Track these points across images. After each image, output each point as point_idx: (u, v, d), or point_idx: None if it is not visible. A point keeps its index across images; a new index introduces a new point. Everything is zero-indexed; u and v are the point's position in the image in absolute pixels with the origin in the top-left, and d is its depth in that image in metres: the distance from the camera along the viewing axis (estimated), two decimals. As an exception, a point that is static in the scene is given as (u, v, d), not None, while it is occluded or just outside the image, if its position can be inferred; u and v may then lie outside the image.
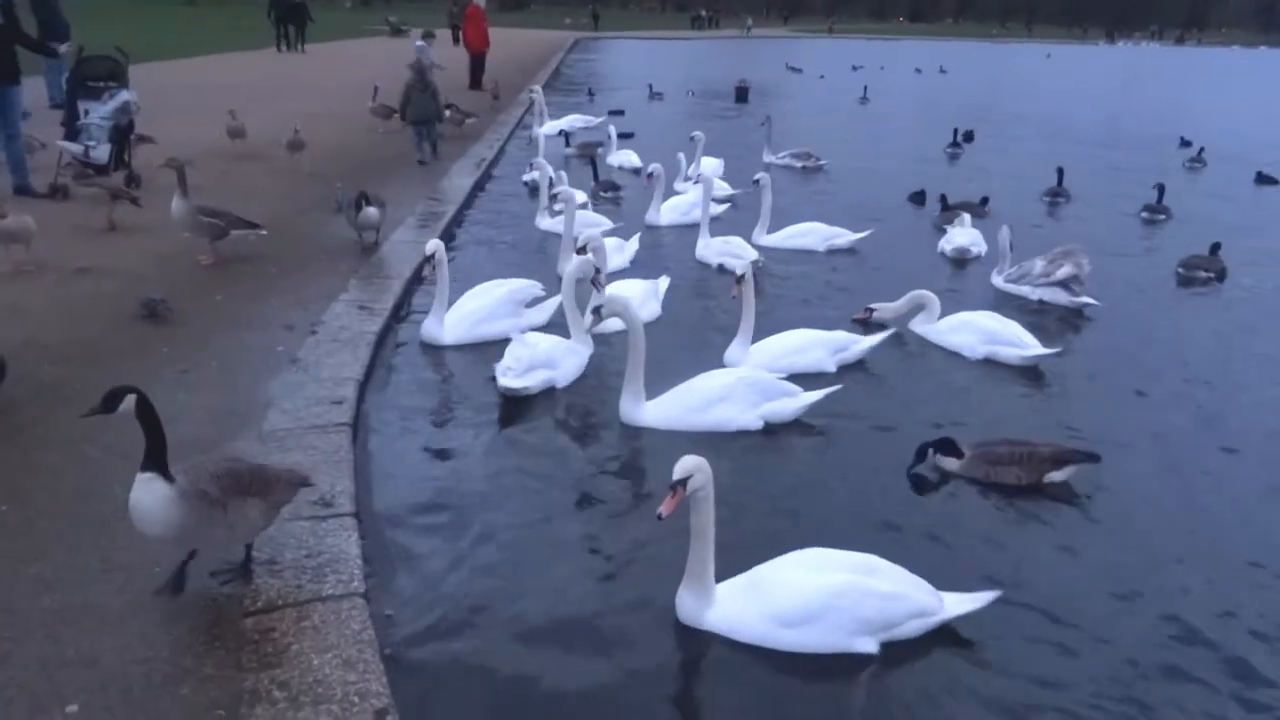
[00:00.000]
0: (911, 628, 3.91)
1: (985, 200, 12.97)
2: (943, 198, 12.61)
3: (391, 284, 8.10)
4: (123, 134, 10.96)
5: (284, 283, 7.93)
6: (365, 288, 7.94)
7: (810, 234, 10.59)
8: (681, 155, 13.93)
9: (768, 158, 16.06)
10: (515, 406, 6.17)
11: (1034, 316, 8.38)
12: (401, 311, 7.82)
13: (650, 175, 11.23)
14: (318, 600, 3.74)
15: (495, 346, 7.06)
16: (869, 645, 3.84)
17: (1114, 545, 4.90)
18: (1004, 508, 5.22)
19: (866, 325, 7.79)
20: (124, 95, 10.99)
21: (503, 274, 8.12)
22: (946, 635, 3.98)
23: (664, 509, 3.77)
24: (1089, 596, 4.40)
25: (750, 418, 5.91)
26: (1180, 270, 10.30)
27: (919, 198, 13.45)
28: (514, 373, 6.18)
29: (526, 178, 13.49)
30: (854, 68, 43.31)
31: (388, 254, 9.01)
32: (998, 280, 9.39)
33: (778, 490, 5.30)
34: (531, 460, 5.52)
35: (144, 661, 3.43)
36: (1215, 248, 10.37)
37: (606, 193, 12.89)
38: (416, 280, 8.46)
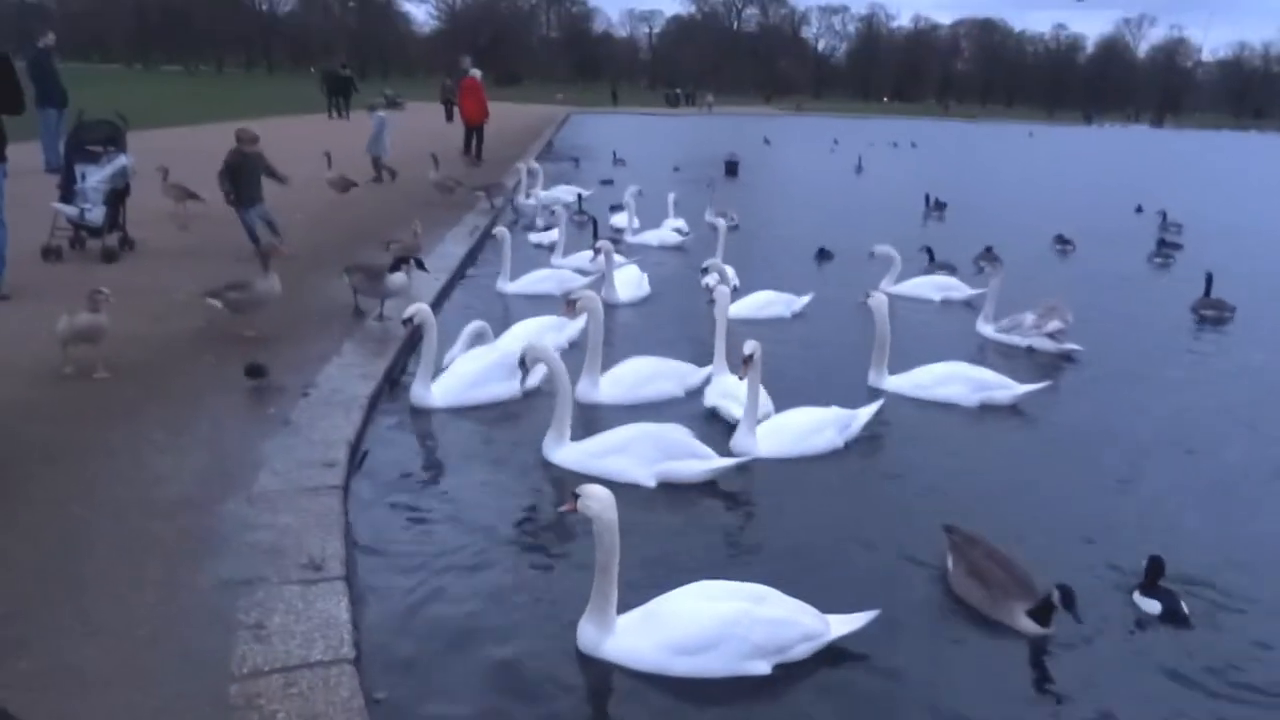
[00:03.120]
0: (801, 650, 4.18)
1: (988, 249, 14.20)
2: (929, 251, 13.89)
3: (385, 348, 8.09)
4: (119, 197, 11.00)
5: (276, 345, 7.89)
6: (358, 351, 7.92)
7: (775, 302, 10.52)
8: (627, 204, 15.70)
9: (708, 217, 16.68)
10: (497, 467, 6.23)
11: (1017, 361, 9.22)
12: (395, 374, 7.79)
13: (597, 250, 10.76)
14: (306, 666, 3.64)
15: (485, 410, 7.06)
16: (762, 668, 4.09)
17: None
18: (873, 528, 5.60)
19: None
20: (121, 159, 11.05)
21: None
22: (833, 653, 4.28)
23: (563, 507, 4.21)
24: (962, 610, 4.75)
25: (643, 474, 5.91)
26: (1208, 313, 11.50)
27: (824, 254, 14.37)
28: None
29: (534, 239, 14.45)
30: (835, 141, 44.65)
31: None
32: (986, 329, 10.00)
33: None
34: (511, 515, 5.52)
35: (126, 728, 3.33)
36: (1209, 281, 11.70)
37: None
38: (411, 345, 8.45)
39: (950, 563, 4.90)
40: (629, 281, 11.21)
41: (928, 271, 13.24)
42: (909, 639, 4.48)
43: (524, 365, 6.37)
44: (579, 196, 18.32)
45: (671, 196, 16.19)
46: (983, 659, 4.41)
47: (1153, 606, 4.75)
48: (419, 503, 5.63)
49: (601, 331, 7.43)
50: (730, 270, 11.80)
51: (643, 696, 3.99)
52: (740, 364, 6.38)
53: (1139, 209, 21.77)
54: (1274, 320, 11.84)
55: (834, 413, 6.82)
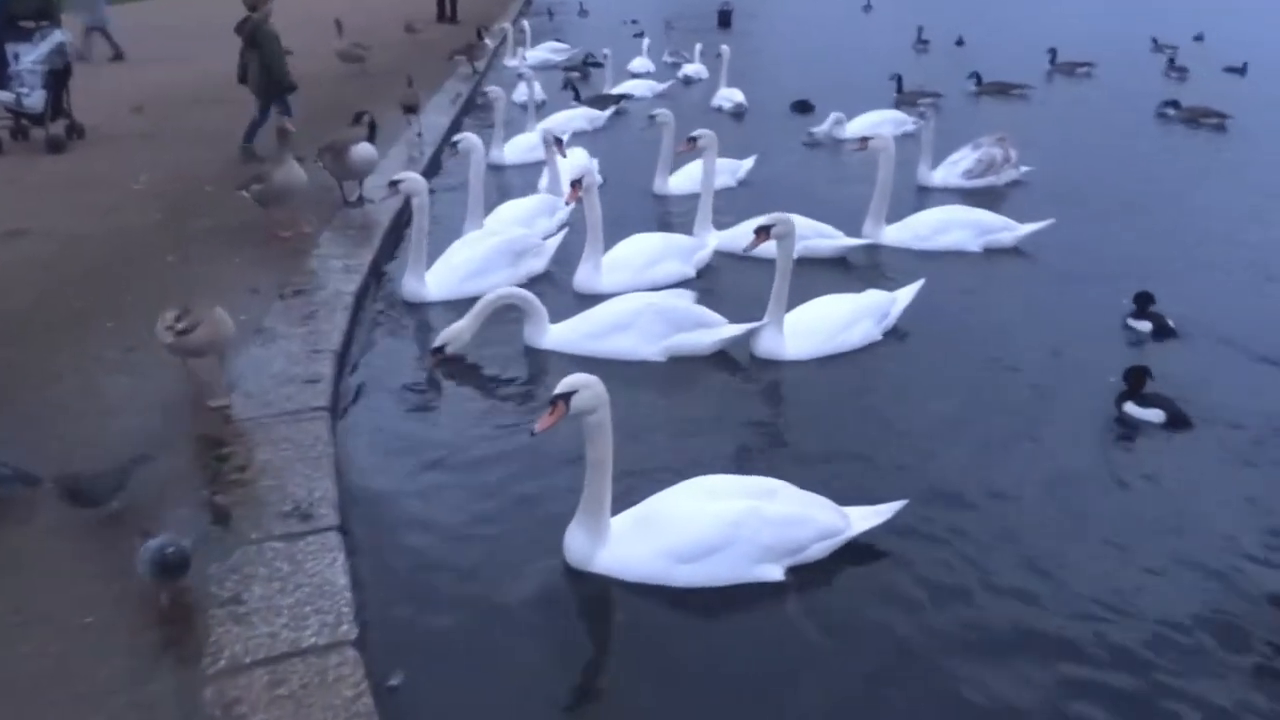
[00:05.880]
0: (818, 549, 3.70)
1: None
2: (898, 80, 13.98)
3: (370, 235, 7.15)
4: (59, 78, 9.81)
5: (246, 238, 6.95)
6: (339, 241, 6.99)
7: (721, 171, 8.53)
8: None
9: (666, 58, 17.44)
10: (500, 366, 5.52)
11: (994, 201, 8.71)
12: (382, 267, 6.88)
13: (559, 142, 8.62)
14: (296, 655, 2.89)
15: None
16: (774, 573, 3.61)
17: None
18: (908, 416, 4.97)
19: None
20: (58, 36, 9.79)
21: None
22: (856, 552, 3.76)
23: (539, 425, 3.46)
24: (1001, 498, 4.23)
25: (651, 350, 5.49)
26: (1208, 120, 12.47)
27: (803, 106, 13.26)
28: None
29: (518, 99, 12.91)
30: None
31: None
32: (936, 176, 9.36)
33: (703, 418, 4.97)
34: (516, 421, 4.81)
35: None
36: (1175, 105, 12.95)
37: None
38: (397, 230, 7.50)
39: None
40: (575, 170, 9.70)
41: (896, 104, 13.02)
42: (941, 532, 3.92)
43: (440, 350, 5.37)
44: (586, 57, 17.16)
45: (646, 42, 17.34)
46: (1020, 551, 3.85)
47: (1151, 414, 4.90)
48: (417, 418, 4.87)
49: (599, 209, 6.39)
50: (739, 93, 13.34)
51: (641, 610, 3.47)
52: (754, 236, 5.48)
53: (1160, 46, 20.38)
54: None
55: (870, 299, 5.92)
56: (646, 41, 17.46)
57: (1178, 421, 4.86)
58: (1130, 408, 4.93)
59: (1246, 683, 3.20)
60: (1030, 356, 5.67)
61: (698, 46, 16.82)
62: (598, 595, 3.53)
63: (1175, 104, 13.13)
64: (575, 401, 3.44)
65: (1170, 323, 5.96)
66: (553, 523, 3.78)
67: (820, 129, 11.49)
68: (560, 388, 3.45)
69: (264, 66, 9.27)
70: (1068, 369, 5.52)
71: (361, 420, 4.74)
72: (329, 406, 4.52)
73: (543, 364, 5.50)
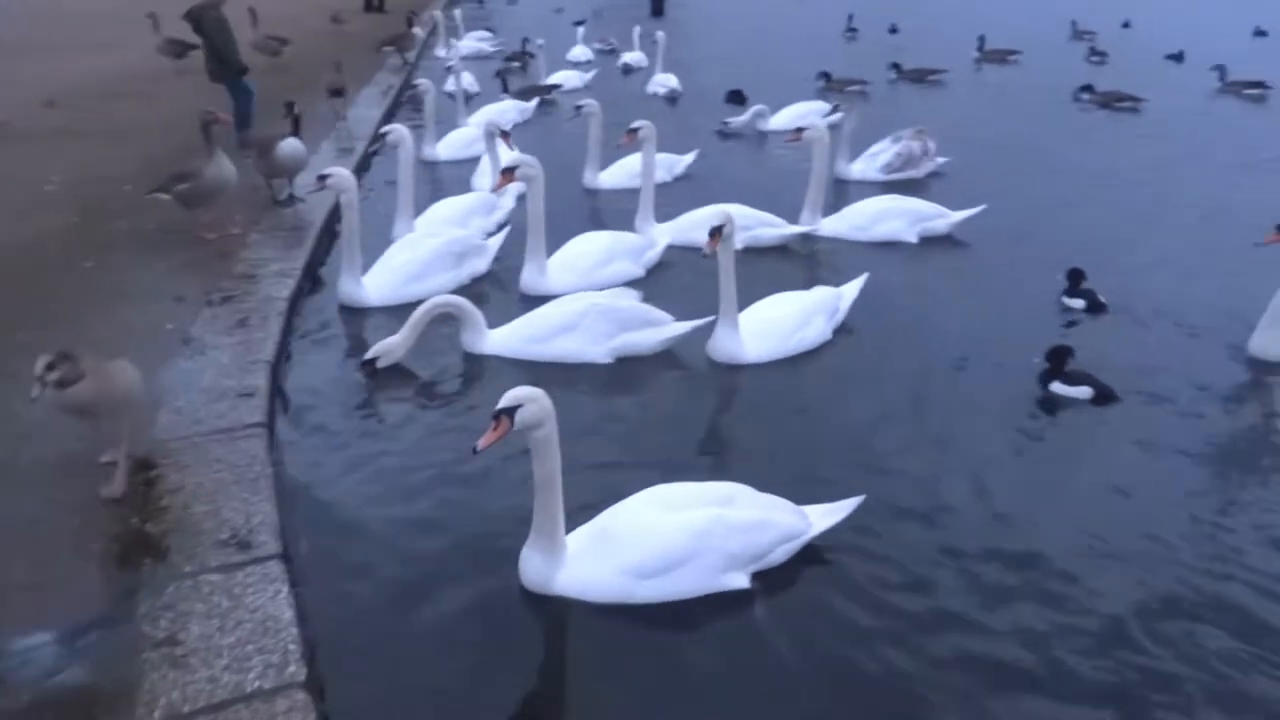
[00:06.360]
0: (781, 553, 3.64)
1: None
2: (825, 75, 14.24)
3: (302, 236, 6.86)
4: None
5: (170, 241, 6.62)
6: (270, 243, 6.69)
7: (656, 167, 8.23)
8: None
9: (596, 45, 17.39)
10: (443, 375, 5.29)
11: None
12: (317, 270, 6.60)
13: (505, 135, 8.27)
14: (240, 700, 2.69)
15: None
16: (740, 581, 3.53)
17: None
18: (859, 413, 4.94)
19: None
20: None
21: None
22: (818, 551, 3.73)
23: (481, 442, 3.24)
24: (953, 492, 4.22)
25: (598, 351, 5.36)
26: (1121, 105, 13.07)
27: (736, 96, 13.31)
28: None
29: (448, 89, 12.38)
30: None
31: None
32: (854, 169, 9.34)
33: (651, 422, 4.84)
34: (464, 434, 4.44)
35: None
36: (1088, 88, 13.67)
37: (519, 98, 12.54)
38: (331, 231, 7.22)
39: None
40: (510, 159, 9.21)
41: (823, 94, 13.23)
42: (897, 528, 3.93)
43: (371, 364, 5.15)
44: (524, 46, 16.65)
45: (581, 30, 17.13)
46: (978, 534, 3.94)
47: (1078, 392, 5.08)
48: (359, 433, 4.62)
49: (542, 204, 6.19)
50: (674, 79, 13.67)
51: (606, 632, 3.35)
52: (708, 238, 5.17)
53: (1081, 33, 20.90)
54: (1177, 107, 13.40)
55: (819, 297, 5.81)
56: (582, 30, 17.29)
57: (1104, 396, 5.04)
58: (1057, 386, 5.11)
59: (1186, 663, 3.28)
60: (972, 343, 5.73)
61: (636, 31, 16.77)
62: (559, 619, 3.38)
63: (1090, 89, 13.60)
64: (520, 416, 3.27)
65: (1102, 298, 6.20)
66: (507, 540, 3.61)
67: (738, 120, 11.54)
68: (503, 402, 3.27)
69: (213, 51, 9.05)
70: (1008, 351, 5.59)
71: (300, 436, 4.49)
72: (265, 423, 4.28)
73: (485, 370, 5.31)
